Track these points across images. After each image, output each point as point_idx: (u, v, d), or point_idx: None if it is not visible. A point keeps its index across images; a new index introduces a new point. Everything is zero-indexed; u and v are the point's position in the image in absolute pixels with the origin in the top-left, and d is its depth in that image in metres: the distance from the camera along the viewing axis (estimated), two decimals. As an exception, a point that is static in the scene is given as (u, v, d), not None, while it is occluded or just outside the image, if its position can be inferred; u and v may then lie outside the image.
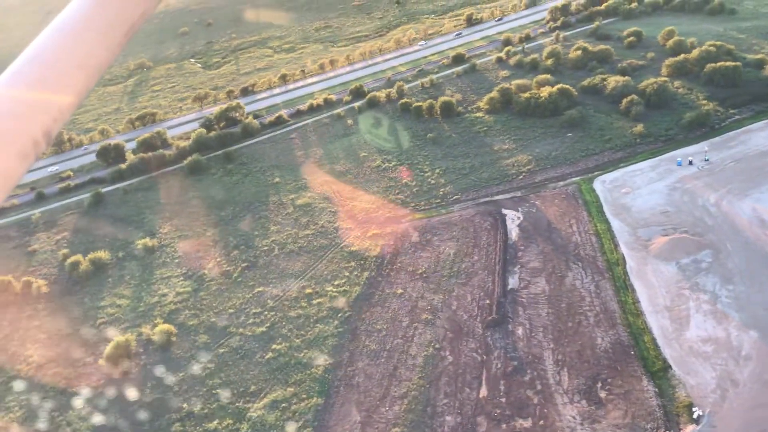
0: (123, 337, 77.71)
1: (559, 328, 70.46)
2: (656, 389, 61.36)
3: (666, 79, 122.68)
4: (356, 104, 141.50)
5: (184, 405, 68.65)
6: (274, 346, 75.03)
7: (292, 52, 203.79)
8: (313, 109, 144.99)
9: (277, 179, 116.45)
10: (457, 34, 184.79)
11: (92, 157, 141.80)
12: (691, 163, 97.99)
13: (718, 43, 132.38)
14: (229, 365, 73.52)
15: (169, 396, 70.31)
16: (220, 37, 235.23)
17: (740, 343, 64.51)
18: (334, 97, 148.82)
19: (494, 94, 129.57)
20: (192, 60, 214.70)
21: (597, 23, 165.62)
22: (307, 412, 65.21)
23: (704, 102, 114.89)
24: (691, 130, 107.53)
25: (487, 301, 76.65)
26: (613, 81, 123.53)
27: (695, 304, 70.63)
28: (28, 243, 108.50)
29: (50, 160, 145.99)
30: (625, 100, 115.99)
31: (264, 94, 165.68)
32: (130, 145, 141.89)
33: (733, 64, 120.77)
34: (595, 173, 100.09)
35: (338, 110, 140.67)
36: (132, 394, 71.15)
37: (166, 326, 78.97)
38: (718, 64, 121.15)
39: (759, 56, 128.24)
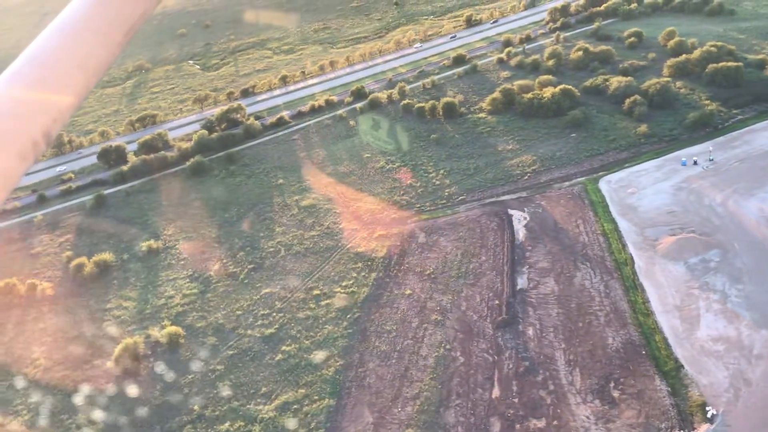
0: (131, 339, 77.32)
1: (570, 328, 70.46)
2: (669, 389, 61.39)
3: (668, 79, 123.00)
4: (358, 105, 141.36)
5: (195, 407, 68.35)
6: (283, 348, 74.79)
7: (291, 53, 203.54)
8: (314, 111, 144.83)
9: (280, 180, 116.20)
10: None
11: (89, 160, 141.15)
12: (695, 163, 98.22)
13: (719, 43, 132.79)
14: (239, 367, 73.24)
15: (179, 398, 69.97)
16: (218, 38, 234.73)
17: (752, 342, 64.62)
18: (335, 98, 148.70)
19: (496, 94, 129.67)
20: (191, 62, 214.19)
21: (597, 24, 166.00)
22: (319, 413, 64.99)
23: (707, 102, 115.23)
24: (695, 130, 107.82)
25: (497, 302, 76.61)
26: (616, 81, 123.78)
27: (705, 304, 70.73)
28: (30, 245, 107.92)
29: (50, 162, 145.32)
30: (628, 101, 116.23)
31: (264, 96, 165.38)
32: (130, 147, 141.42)
33: (735, 64, 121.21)
34: (600, 173, 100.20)
35: (340, 111, 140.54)
36: (141, 396, 70.82)
37: (174, 328, 78.66)
38: (720, 64, 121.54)
39: (760, 56, 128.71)
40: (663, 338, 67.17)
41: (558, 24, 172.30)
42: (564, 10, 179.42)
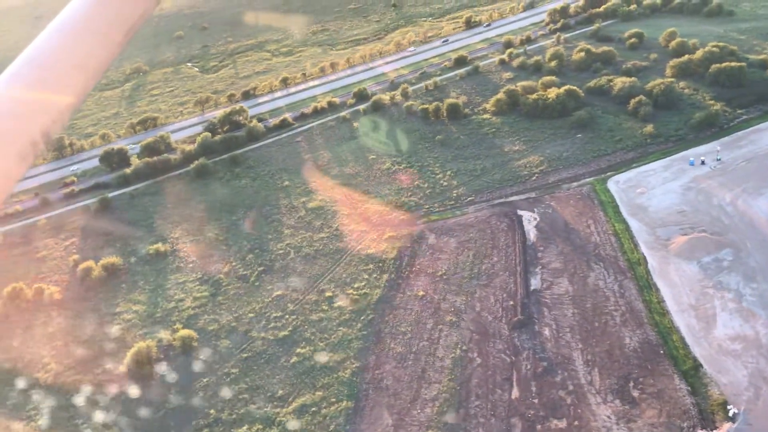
0: (143, 343, 76.72)
1: (586, 329, 70.46)
2: (689, 388, 61.45)
3: (672, 79, 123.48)
4: (361, 107, 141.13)
5: (211, 411, 67.87)
6: (298, 350, 74.40)
7: (291, 55, 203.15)
8: (317, 113, 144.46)
9: (286, 182, 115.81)
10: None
11: (91, 163, 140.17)
12: (703, 162, 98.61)
13: (721, 44, 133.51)
14: (254, 370, 72.81)
15: (195, 401, 69.48)
16: (216, 40, 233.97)
17: (769, 341, 64.81)
18: (337, 100, 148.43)
19: (500, 95, 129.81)
20: (189, 64, 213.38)
21: (597, 25, 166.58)
22: (337, 416, 64.66)
23: (711, 102, 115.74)
24: (701, 130, 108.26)
25: (511, 302, 76.54)
26: (620, 82, 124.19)
27: (720, 303, 70.92)
28: (35, 249, 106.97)
29: (50, 165, 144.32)
30: (633, 101, 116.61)
31: (265, 98, 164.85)
32: (132, 150, 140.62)
33: (738, 64, 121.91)
34: (608, 174, 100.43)
35: (343, 113, 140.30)
36: (156, 400, 70.26)
37: (187, 331, 78.11)
38: (724, 64, 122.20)
39: (762, 57, 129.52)
40: (680, 337, 67.27)
41: (558, 25, 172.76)
42: (563, 12, 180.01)
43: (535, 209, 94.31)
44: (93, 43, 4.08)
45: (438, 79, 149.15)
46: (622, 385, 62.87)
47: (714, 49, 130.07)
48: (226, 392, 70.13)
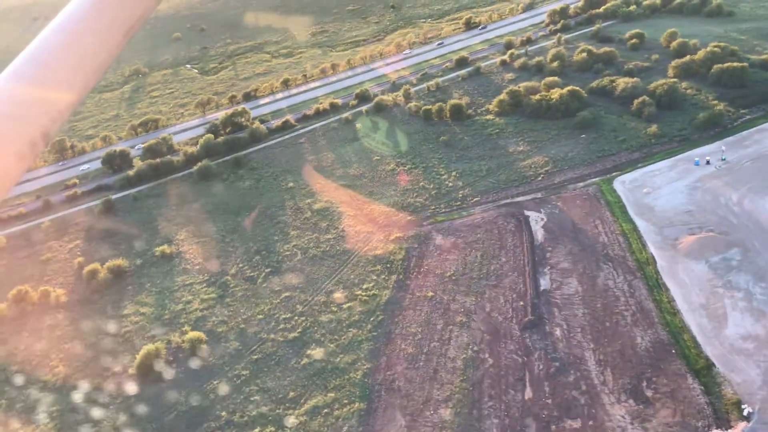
0: (152, 345, 76.43)
1: (598, 329, 70.50)
2: (702, 387, 61.52)
3: (675, 80, 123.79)
4: (364, 108, 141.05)
5: (223, 413, 67.63)
6: (308, 352, 74.23)
7: (291, 56, 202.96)
8: (319, 114, 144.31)
9: (291, 184, 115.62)
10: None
11: (93, 165, 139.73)
12: (708, 162, 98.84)
13: (722, 44, 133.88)
14: (264, 372, 72.60)
15: (206, 404, 69.25)
16: (214, 42, 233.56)
17: (781, 340, 64.96)
18: (339, 101, 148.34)
19: (503, 96, 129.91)
20: (188, 66, 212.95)
21: (597, 26, 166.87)
22: (350, 417, 64.50)
23: (714, 102, 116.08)
24: (705, 130, 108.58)
25: (521, 303, 76.55)
26: (623, 82, 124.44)
27: (731, 302, 71.07)
28: (40, 252, 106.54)
29: (51, 168, 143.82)
30: (636, 101, 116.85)
31: (267, 99, 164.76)
32: (134, 152, 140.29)
33: (741, 64, 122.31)
34: (614, 174, 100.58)
35: (346, 114, 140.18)
36: (167, 403, 69.98)
37: (196, 333, 77.85)
38: (726, 64, 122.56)
39: (763, 57, 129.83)
40: (691, 337, 67.37)
41: (558, 26, 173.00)
42: (563, 12, 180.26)
43: (542, 209, 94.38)
44: (93, 43, 4.09)
45: (440, 80, 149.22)
46: (636, 385, 62.91)
47: (715, 49, 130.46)
48: (236, 394, 69.90)
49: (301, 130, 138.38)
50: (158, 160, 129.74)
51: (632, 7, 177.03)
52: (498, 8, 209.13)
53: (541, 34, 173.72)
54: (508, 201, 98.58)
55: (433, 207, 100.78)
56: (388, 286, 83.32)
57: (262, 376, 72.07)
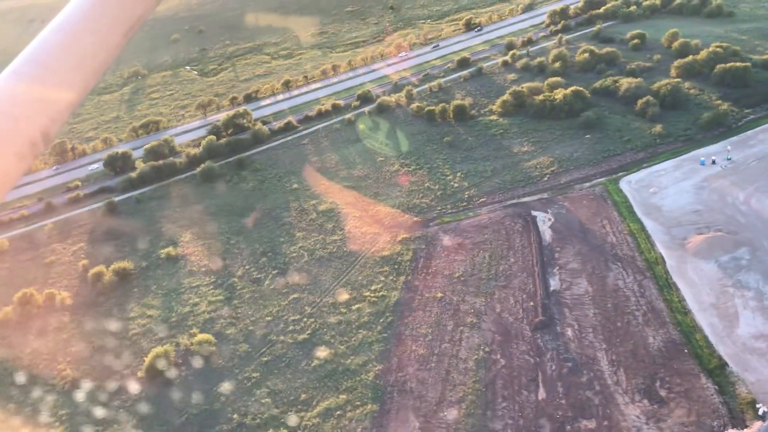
0: (161, 348, 75.98)
1: (609, 329, 70.40)
2: (716, 387, 61.46)
3: (678, 80, 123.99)
4: (366, 109, 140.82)
5: (234, 415, 67.26)
6: (318, 354, 73.89)
7: (290, 58, 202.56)
8: (321, 115, 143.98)
9: (295, 185, 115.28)
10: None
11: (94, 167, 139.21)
12: (714, 162, 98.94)
13: (724, 44, 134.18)
14: (275, 374, 72.24)
15: (217, 406, 68.86)
16: (213, 44, 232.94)
17: (794, 339, 64.95)
18: (341, 102, 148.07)
19: (507, 97, 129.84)
20: (188, 67, 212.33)
21: (598, 26, 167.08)
22: (363, 419, 64.22)
23: (718, 102, 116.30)
24: (709, 130, 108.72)
25: (531, 303, 76.40)
26: (626, 83, 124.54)
27: (741, 302, 71.07)
28: (43, 254, 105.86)
29: (51, 170, 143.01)
30: (640, 101, 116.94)
31: (268, 101, 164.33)
32: (135, 154, 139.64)
33: (743, 64, 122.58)
34: (620, 174, 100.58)
35: (348, 115, 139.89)
36: (177, 406, 69.57)
37: (205, 336, 77.44)
38: (729, 64, 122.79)
39: (765, 57, 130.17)
40: (703, 336, 67.32)
41: (559, 27, 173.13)
42: (563, 13, 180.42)
43: (549, 210, 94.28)
44: (92, 43, 4.08)
45: (442, 80, 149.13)
46: (649, 385, 62.80)
47: (718, 49, 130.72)
48: (247, 397, 69.53)
49: (304, 132, 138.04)
50: (161, 161, 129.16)
51: (632, 8, 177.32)
52: (497, 9, 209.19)
53: (541, 34, 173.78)
54: (514, 201, 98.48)
55: (439, 208, 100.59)
56: (397, 288, 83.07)
57: (272, 378, 71.70)
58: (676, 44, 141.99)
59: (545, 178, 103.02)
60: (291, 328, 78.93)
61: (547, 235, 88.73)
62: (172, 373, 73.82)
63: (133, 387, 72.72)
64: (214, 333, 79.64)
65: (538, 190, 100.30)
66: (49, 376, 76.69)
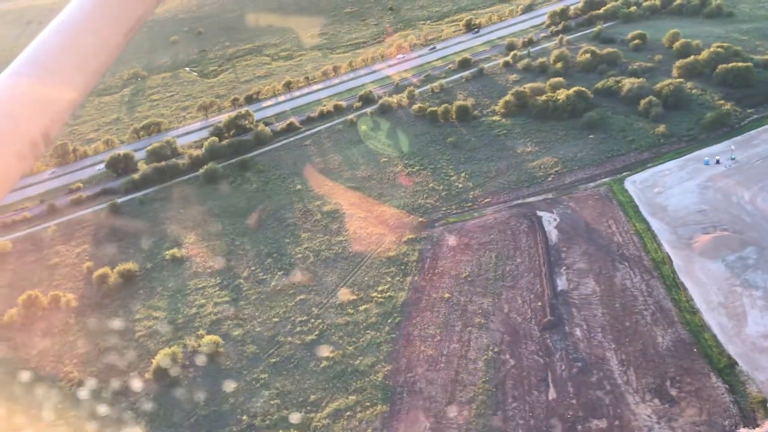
0: (169, 349, 75.77)
1: (618, 328, 70.45)
2: (726, 386, 61.55)
3: (680, 80, 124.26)
4: (368, 110, 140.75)
5: (244, 417, 67.11)
6: (327, 354, 73.78)
7: (291, 59, 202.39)
8: (323, 116, 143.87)
9: (298, 186, 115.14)
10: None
11: (101, 167, 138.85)
12: (718, 162, 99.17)
13: (726, 44, 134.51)
14: (284, 375, 72.12)
15: (226, 408, 68.70)
16: (212, 45, 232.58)
17: (803, 338, 65.09)
18: (343, 103, 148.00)
19: (509, 97, 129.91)
20: (188, 69, 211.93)
21: (599, 27, 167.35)
22: (373, 419, 64.14)
23: (721, 102, 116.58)
24: (713, 130, 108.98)
25: (539, 303, 76.42)
26: (629, 83, 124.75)
27: (749, 301, 71.23)
28: (47, 256, 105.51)
29: (52, 172, 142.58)
30: (643, 102, 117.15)
31: (269, 102, 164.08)
32: (137, 155, 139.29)
33: (745, 64, 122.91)
34: (624, 174, 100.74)
35: (350, 116, 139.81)
36: (186, 407, 69.38)
37: (213, 337, 77.27)
38: (731, 65, 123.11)
39: (766, 57, 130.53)
40: (712, 336, 67.45)
41: (560, 27, 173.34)
42: (564, 14, 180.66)
43: (554, 210, 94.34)
44: (93, 44, 4.07)
45: (443, 81, 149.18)
46: (660, 384, 62.86)
47: (719, 49, 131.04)
48: (256, 398, 69.39)
49: (306, 133, 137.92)
50: (163, 163, 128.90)
51: (632, 9, 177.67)
52: (497, 10, 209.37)
53: (542, 35, 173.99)
54: (519, 202, 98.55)
55: (444, 208, 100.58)
56: (404, 288, 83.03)
57: (281, 379, 71.58)
58: (677, 44, 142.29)
59: (550, 179, 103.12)
60: (298, 329, 78.82)
61: (553, 235, 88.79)
62: (180, 374, 73.65)
63: (141, 389, 72.53)
64: (221, 334, 79.49)
65: (543, 190, 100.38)
66: (56, 378, 76.41)
